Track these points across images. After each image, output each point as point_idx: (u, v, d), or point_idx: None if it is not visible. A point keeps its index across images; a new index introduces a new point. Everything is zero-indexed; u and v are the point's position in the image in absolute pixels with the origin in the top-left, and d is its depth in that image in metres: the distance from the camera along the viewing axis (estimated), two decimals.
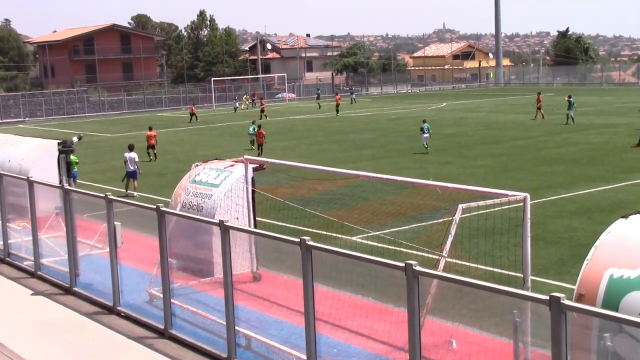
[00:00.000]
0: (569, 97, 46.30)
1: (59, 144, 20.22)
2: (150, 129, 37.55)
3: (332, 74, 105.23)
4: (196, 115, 61.62)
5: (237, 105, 74.55)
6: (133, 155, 27.44)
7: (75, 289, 13.97)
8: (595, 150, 33.35)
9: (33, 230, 15.37)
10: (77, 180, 26.89)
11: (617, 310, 7.55)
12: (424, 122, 36.54)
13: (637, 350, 7.36)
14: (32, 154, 21.03)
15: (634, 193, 23.25)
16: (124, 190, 26.62)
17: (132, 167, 27.12)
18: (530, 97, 50.71)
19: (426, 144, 35.54)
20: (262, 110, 61.67)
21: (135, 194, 26.44)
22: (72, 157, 21.18)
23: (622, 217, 8.62)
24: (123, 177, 27.78)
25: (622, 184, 24.91)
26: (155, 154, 36.32)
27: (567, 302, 6.30)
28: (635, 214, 8.63)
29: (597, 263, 8.10)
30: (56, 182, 17.86)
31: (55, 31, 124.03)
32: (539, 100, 49.67)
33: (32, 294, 14.28)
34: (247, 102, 79.14)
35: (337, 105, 61.81)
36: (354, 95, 77.96)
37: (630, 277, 7.75)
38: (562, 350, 6.31)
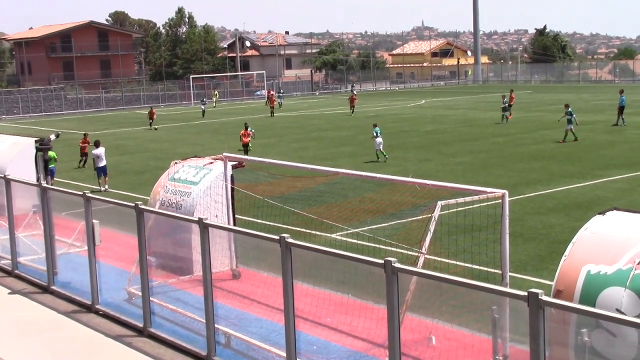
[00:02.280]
0: (503, 97, 46.84)
1: (36, 141, 20.05)
2: (85, 135, 35.04)
3: (311, 71, 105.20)
4: (154, 120, 52.89)
5: (204, 108, 63.79)
6: (101, 150, 27.60)
7: (53, 287, 13.88)
8: (573, 147, 33.60)
9: (10, 229, 15.23)
10: (55, 178, 26.75)
11: (594, 306, 7.63)
12: (375, 125, 33.62)
13: (614, 345, 7.44)
14: (8, 152, 20.82)
15: (610, 189, 23.45)
16: (98, 187, 26.62)
17: (103, 162, 27.29)
18: (508, 95, 50.97)
19: (382, 149, 32.06)
20: (272, 107, 59.65)
21: (105, 188, 26.46)
22: (50, 152, 21.14)
23: (599, 213, 8.71)
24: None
25: (599, 180, 25.12)
26: (85, 160, 33.84)
27: (545, 298, 6.35)
28: (612, 210, 8.72)
29: (575, 259, 8.17)
30: (33, 180, 17.71)
31: (31, 28, 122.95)
32: (511, 98, 49.57)
33: (9, 293, 14.16)
34: (216, 99, 77.30)
35: (352, 106, 58.00)
36: (354, 92, 75.25)
37: (607, 273, 7.83)
38: (540, 345, 6.36)
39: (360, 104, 62.56)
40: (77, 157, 34.31)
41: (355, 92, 70.95)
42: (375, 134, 32.67)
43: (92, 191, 25.40)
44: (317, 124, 50.87)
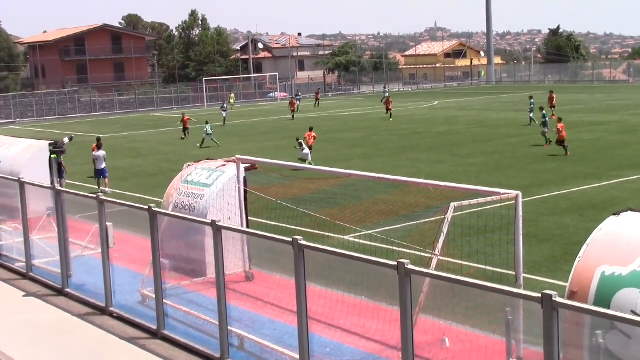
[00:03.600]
0: (530, 97, 46.14)
1: (50, 144, 20.16)
2: (98, 139, 32.11)
3: (324, 73, 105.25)
4: (188, 129, 47.01)
5: (225, 115, 57.46)
6: (100, 153, 27.76)
7: (68, 290, 13.93)
8: (587, 148, 33.43)
9: (24, 232, 15.31)
10: (69, 180, 26.89)
11: (608, 307, 7.57)
12: (297, 139, 32.96)
13: (629, 346, 7.38)
14: (23, 155, 20.96)
15: (625, 190, 23.32)
16: (104, 189, 26.62)
17: (102, 165, 27.36)
18: (522, 95, 50.68)
19: (310, 159, 31.12)
20: (293, 110, 58.07)
21: (108, 190, 26.43)
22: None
23: (614, 214, 8.65)
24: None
25: (614, 181, 24.99)
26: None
27: (559, 299, 6.31)
28: (627, 211, 8.66)
29: (589, 260, 8.12)
30: (47, 183, 17.80)
31: (45, 32, 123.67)
32: (552, 99, 47.78)
33: (24, 296, 14.23)
34: (232, 102, 76.39)
35: (389, 109, 54.48)
36: (387, 94, 69.98)
37: (622, 274, 7.77)
38: (554, 347, 6.32)
39: (373, 105, 62.49)
40: (91, 160, 34.09)
41: (387, 94, 67.60)
42: (300, 146, 32.06)
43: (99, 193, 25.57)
44: (330, 126, 50.80)
